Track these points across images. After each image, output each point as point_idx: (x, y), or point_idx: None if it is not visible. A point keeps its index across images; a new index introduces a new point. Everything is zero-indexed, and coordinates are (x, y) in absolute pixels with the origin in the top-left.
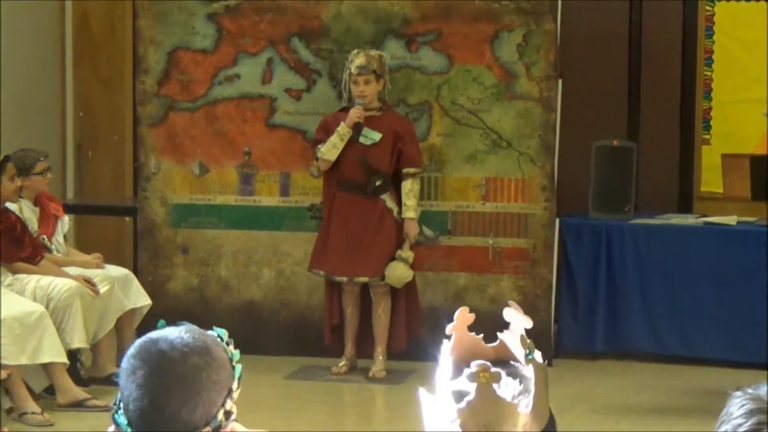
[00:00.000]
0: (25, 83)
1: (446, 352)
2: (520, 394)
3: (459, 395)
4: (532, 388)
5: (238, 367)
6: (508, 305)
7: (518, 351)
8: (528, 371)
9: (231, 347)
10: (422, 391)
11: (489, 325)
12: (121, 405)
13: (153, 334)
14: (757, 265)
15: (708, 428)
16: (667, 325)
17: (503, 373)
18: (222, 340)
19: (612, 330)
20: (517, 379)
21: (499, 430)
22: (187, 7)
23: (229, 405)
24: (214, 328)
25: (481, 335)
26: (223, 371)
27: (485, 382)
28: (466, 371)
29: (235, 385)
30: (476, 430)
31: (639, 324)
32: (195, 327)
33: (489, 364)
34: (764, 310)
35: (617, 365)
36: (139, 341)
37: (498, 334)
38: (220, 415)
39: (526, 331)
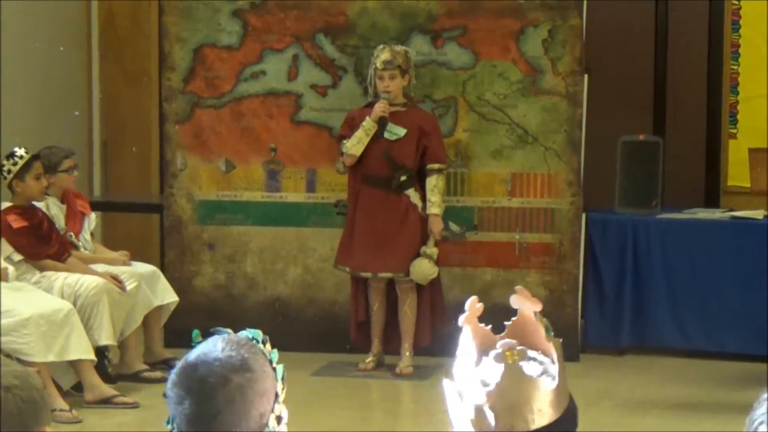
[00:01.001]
0: (52, 81)
1: (468, 340)
2: (541, 374)
3: (483, 383)
4: (556, 363)
5: (280, 368)
6: (514, 292)
7: (532, 336)
8: (546, 349)
9: (268, 347)
10: (446, 382)
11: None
12: (176, 426)
13: (191, 358)
14: None
15: (734, 423)
16: (693, 319)
17: (528, 352)
18: (257, 342)
19: (638, 325)
20: (538, 361)
21: (528, 407)
22: (213, 4)
23: (278, 409)
24: (248, 329)
25: (490, 326)
26: (266, 380)
27: (512, 362)
28: (492, 353)
29: (280, 387)
30: (506, 412)
31: (665, 319)
32: (230, 336)
33: (515, 342)
34: None
35: (643, 360)
36: (179, 367)
37: (505, 323)
38: (272, 422)
39: (553, 325)
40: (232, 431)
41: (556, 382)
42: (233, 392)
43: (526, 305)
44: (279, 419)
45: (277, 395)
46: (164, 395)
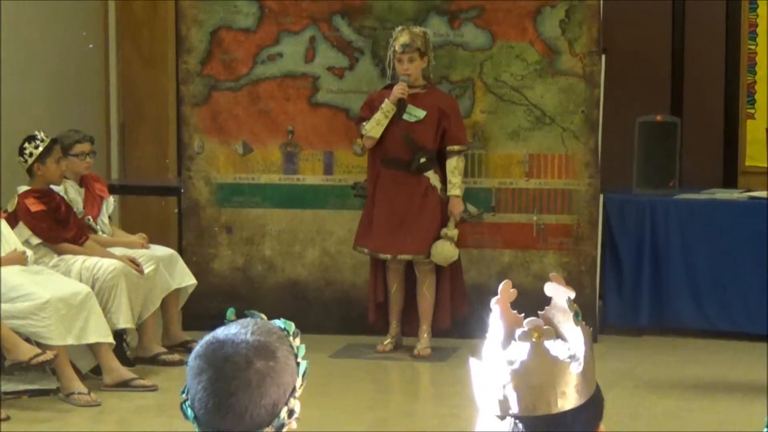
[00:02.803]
0: (69, 63)
1: (496, 319)
2: (569, 357)
3: (509, 364)
4: (583, 348)
5: (303, 364)
6: (549, 279)
7: (562, 324)
8: (574, 337)
9: (297, 341)
10: (473, 361)
11: (534, 302)
12: (189, 397)
13: (220, 334)
14: None
15: (754, 403)
16: (711, 300)
17: (555, 325)
18: (288, 333)
19: (657, 305)
20: (566, 345)
21: (551, 390)
22: None
23: (292, 403)
24: (282, 320)
25: (523, 314)
26: (287, 373)
27: (538, 341)
28: (518, 331)
29: (299, 383)
30: (530, 393)
31: (684, 299)
32: (263, 322)
33: (541, 321)
34: None
35: (662, 341)
36: (206, 340)
37: (539, 312)
38: (284, 414)
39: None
40: (242, 413)
41: (582, 366)
42: (253, 377)
43: (560, 291)
44: (291, 413)
45: (294, 389)
46: (186, 362)
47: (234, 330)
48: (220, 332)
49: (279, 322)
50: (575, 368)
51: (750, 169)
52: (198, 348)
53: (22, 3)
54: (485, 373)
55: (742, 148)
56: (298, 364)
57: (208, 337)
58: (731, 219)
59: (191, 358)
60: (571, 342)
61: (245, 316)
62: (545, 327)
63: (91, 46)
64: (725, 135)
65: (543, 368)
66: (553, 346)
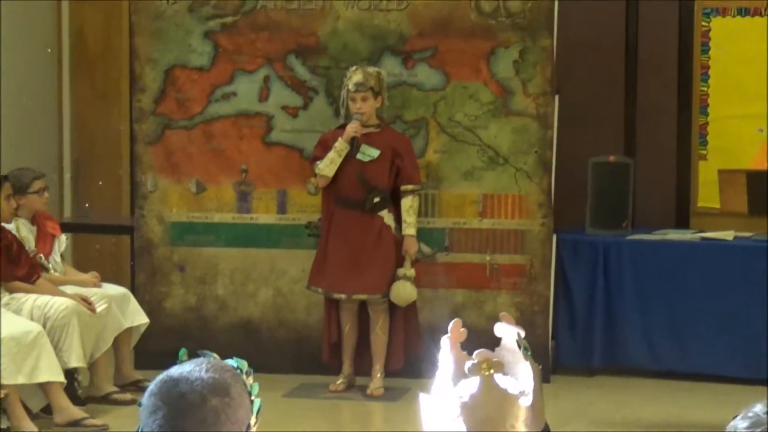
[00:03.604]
0: (22, 101)
1: (446, 355)
2: (519, 392)
3: (459, 398)
4: (532, 383)
5: (258, 402)
6: (500, 319)
7: (511, 365)
8: (524, 373)
9: (250, 379)
10: (423, 396)
11: (487, 342)
12: None
13: (174, 372)
14: (755, 281)
15: None
16: (664, 340)
17: (504, 364)
18: (242, 372)
19: (610, 346)
20: (516, 382)
21: (501, 423)
22: (184, 24)
23: None
24: (235, 358)
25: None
26: (242, 409)
27: (488, 373)
28: (468, 363)
29: (253, 420)
30: (479, 426)
31: (637, 339)
32: (216, 361)
33: (490, 352)
34: (763, 324)
35: (615, 381)
36: (160, 378)
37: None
38: None
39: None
40: None
41: (531, 399)
42: (208, 413)
43: (510, 331)
44: None
45: (249, 426)
46: (138, 404)
47: (188, 368)
48: (174, 371)
49: (232, 361)
50: (524, 402)
51: (702, 210)
52: (152, 386)
53: None
54: (435, 408)
55: (694, 189)
56: (252, 401)
57: (162, 375)
58: (684, 260)
59: (145, 397)
60: (520, 379)
61: (198, 357)
62: (495, 360)
63: (49, 50)
64: (678, 176)
65: (492, 401)
66: (502, 381)
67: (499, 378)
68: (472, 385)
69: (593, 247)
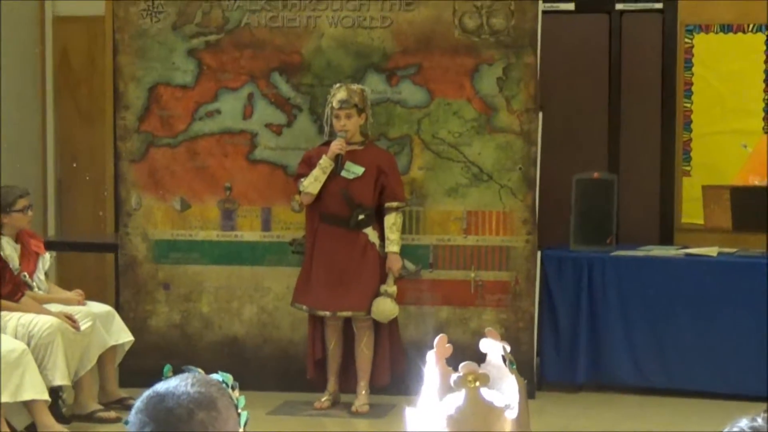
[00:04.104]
0: (6, 119)
1: (431, 369)
2: (504, 406)
3: (445, 411)
4: (517, 396)
5: (244, 415)
6: (485, 334)
7: (497, 381)
8: (509, 387)
9: (236, 392)
10: (408, 410)
11: (471, 358)
12: None
13: (160, 388)
14: (739, 296)
15: None
16: (649, 356)
17: (490, 377)
18: (228, 386)
19: (594, 362)
20: (502, 396)
21: None
22: (168, 42)
23: None
24: (220, 372)
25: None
26: (229, 423)
27: (473, 386)
28: (453, 376)
29: None
30: None
31: (621, 356)
32: (201, 375)
33: (476, 365)
34: (747, 341)
35: (600, 397)
36: (146, 395)
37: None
38: None
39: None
40: None
41: (516, 413)
42: (196, 427)
43: (495, 347)
44: None
45: None
46: (125, 422)
47: (174, 383)
48: (160, 386)
49: (217, 375)
50: (510, 415)
51: (686, 226)
52: (138, 403)
53: None
54: (421, 423)
55: (678, 205)
56: (239, 414)
57: (149, 392)
58: (668, 276)
59: (132, 414)
60: (506, 393)
61: (182, 372)
62: (481, 372)
63: (37, 50)
64: (661, 192)
65: (478, 415)
66: (488, 394)
67: (484, 391)
68: (458, 398)
69: (577, 264)
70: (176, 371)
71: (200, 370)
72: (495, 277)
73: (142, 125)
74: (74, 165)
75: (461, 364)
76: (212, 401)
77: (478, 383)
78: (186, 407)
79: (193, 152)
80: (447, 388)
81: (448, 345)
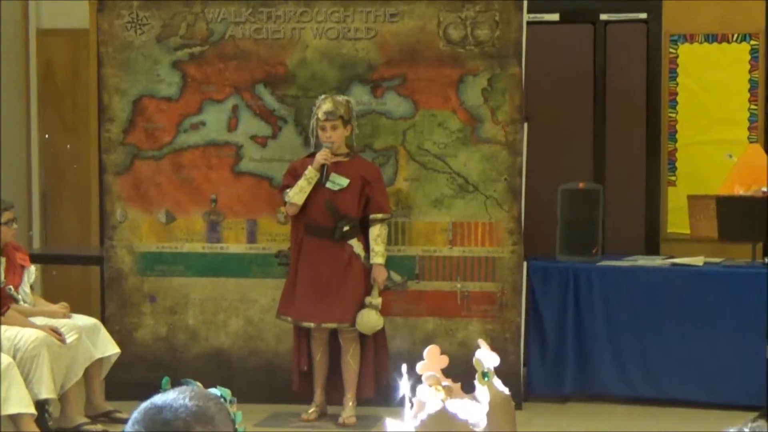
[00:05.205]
0: None
1: (422, 389)
2: (469, 420)
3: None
4: (486, 407)
5: (241, 430)
6: (470, 346)
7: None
8: (482, 398)
9: (234, 408)
10: (389, 421)
11: (458, 369)
12: None
13: (158, 401)
14: (725, 306)
15: None
16: (635, 366)
17: (457, 388)
18: (225, 400)
19: (581, 372)
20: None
21: None
22: (152, 55)
23: None
24: (218, 387)
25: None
26: None
27: (439, 391)
28: (424, 375)
29: None
30: None
31: (608, 366)
32: (199, 389)
33: (437, 376)
34: (734, 350)
35: (587, 408)
36: (144, 406)
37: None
38: None
39: (496, 370)
40: None
41: (482, 427)
42: None
43: (491, 357)
44: None
45: None
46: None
47: (172, 396)
48: (158, 398)
49: (215, 390)
50: (476, 428)
51: (672, 236)
52: (136, 414)
53: None
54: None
55: (663, 215)
56: (235, 430)
57: (146, 403)
58: (654, 286)
59: (129, 425)
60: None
61: (180, 385)
62: (445, 384)
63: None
64: (647, 202)
65: (444, 425)
66: (459, 406)
67: (454, 403)
68: (429, 408)
69: (563, 274)
70: (174, 384)
71: (199, 383)
72: (481, 288)
73: (127, 137)
74: (59, 179)
75: (424, 375)
76: (209, 416)
77: (443, 392)
78: (183, 420)
79: (178, 164)
80: (422, 400)
81: (442, 355)
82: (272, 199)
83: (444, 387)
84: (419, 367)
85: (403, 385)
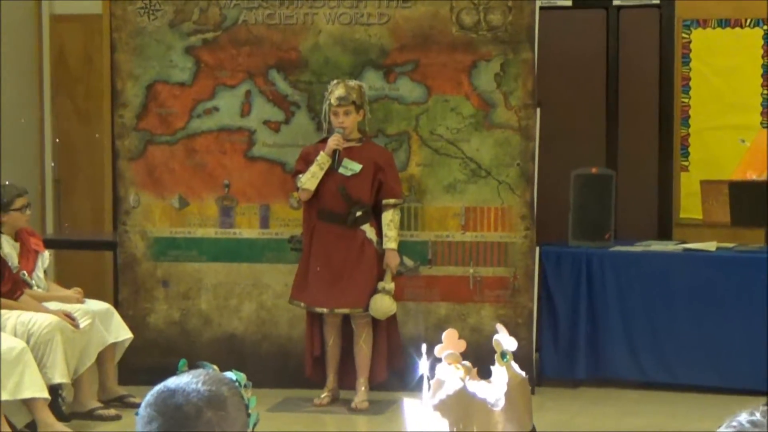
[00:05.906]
0: (4, 118)
1: (425, 361)
2: (491, 399)
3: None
4: (505, 389)
5: (254, 415)
6: (482, 331)
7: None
8: (499, 379)
9: (249, 392)
10: (406, 401)
11: (471, 354)
12: None
13: (171, 383)
14: (737, 291)
15: None
16: (648, 351)
17: (474, 371)
18: (240, 385)
19: (593, 357)
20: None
21: (470, 427)
22: (165, 40)
23: None
24: (234, 371)
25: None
26: (237, 424)
27: (458, 368)
28: (444, 353)
29: None
30: (455, 426)
31: (620, 351)
32: (214, 373)
33: (458, 354)
34: (746, 335)
35: (599, 392)
36: (157, 389)
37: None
38: None
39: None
40: None
41: (501, 406)
42: (203, 426)
43: (510, 340)
44: None
45: None
46: (136, 413)
47: (185, 380)
48: (171, 382)
49: (230, 374)
50: (495, 408)
51: (684, 221)
52: (149, 397)
53: None
54: (418, 412)
55: (676, 200)
56: (249, 415)
57: (160, 386)
58: (666, 271)
59: (142, 407)
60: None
61: (197, 368)
62: (464, 363)
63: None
64: (660, 187)
65: (462, 405)
66: (476, 386)
67: (473, 384)
68: (447, 388)
69: (576, 259)
70: (191, 367)
71: (215, 367)
72: (494, 273)
73: (140, 123)
74: (72, 164)
75: (443, 354)
76: (222, 401)
77: (462, 369)
78: (195, 405)
79: (191, 150)
80: (441, 380)
81: (459, 340)
82: (285, 184)
83: (463, 365)
84: (437, 349)
85: (422, 365)
